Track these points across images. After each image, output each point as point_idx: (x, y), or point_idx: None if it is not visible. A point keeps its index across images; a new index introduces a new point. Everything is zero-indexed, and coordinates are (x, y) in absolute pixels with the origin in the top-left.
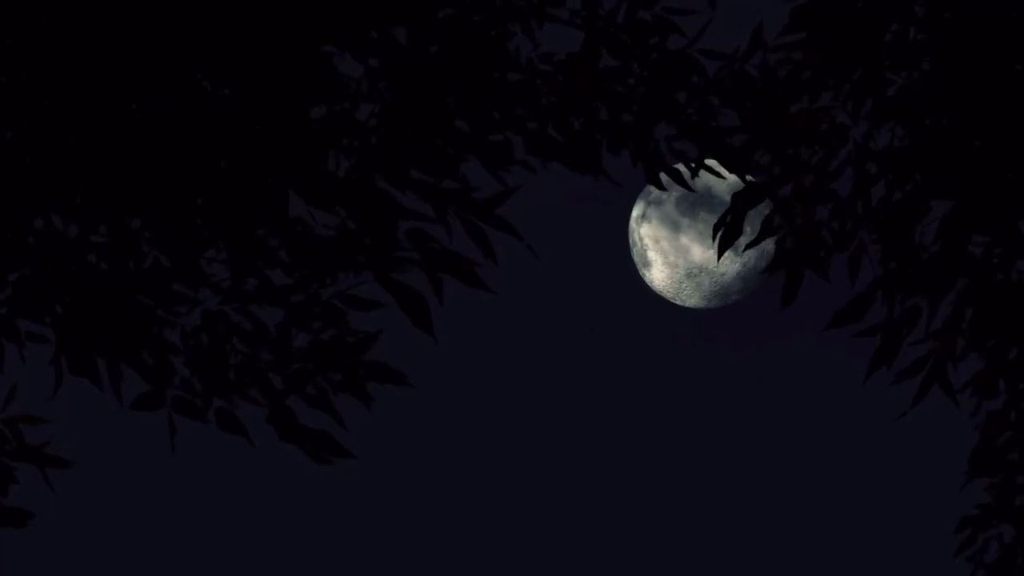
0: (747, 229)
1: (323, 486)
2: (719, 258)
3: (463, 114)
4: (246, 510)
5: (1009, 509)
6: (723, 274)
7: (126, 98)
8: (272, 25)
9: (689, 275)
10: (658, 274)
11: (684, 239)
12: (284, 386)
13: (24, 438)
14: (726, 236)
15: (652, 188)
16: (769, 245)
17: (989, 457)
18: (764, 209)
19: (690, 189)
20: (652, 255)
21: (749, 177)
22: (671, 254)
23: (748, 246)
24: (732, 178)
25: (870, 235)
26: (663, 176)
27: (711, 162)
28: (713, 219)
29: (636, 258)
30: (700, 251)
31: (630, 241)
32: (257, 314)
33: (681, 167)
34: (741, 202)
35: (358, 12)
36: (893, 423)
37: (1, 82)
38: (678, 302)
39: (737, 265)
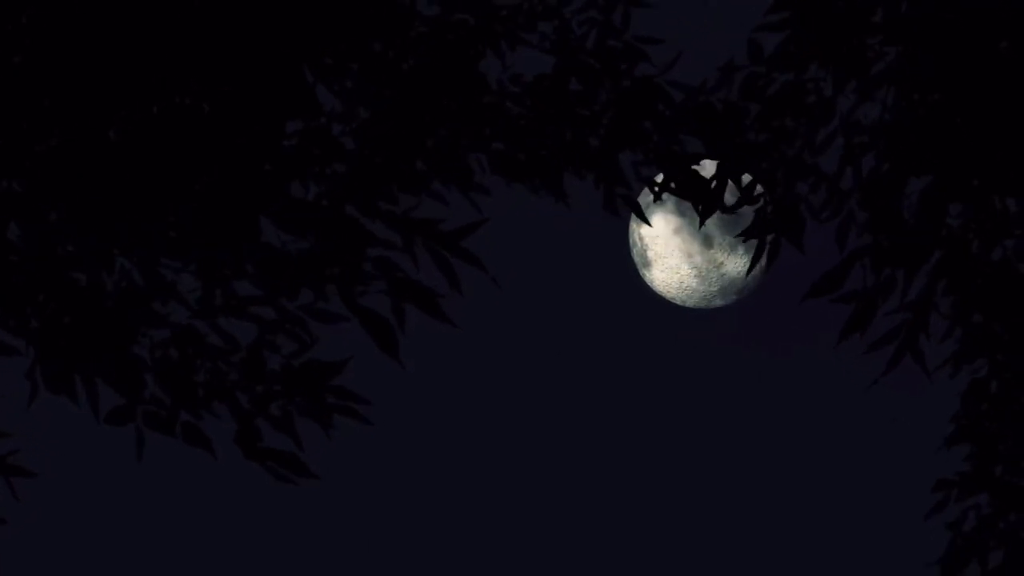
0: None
1: (302, 500)
2: (700, 226)
3: (434, 132)
4: (224, 517)
5: (988, 478)
6: (723, 274)
7: (103, 112)
8: (250, 40)
9: (689, 275)
10: (658, 274)
11: (685, 240)
12: (251, 406)
13: None
14: (707, 203)
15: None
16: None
17: (969, 425)
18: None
19: (646, 222)
20: (652, 255)
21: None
22: (671, 254)
23: (726, 211)
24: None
25: (859, 207)
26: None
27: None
28: (714, 219)
29: (636, 258)
30: (700, 251)
31: (630, 241)
32: (226, 328)
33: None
34: (724, 170)
35: (335, 26)
36: (863, 392)
37: None
38: (678, 302)
39: (739, 266)
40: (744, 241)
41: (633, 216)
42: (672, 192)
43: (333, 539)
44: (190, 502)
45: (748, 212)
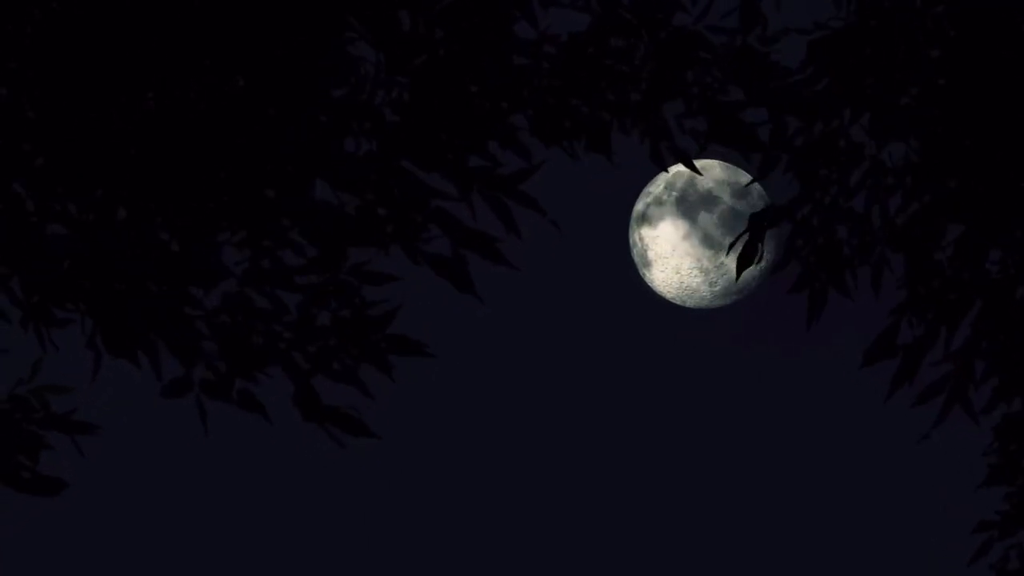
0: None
1: (315, 495)
2: (737, 278)
3: (472, 97)
4: (249, 504)
5: None
6: (724, 275)
7: (140, 87)
8: (284, 12)
9: (689, 275)
10: (658, 274)
11: (685, 240)
12: (309, 365)
13: (51, 407)
14: (744, 257)
15: (652, 189)
16: (766, 258)
17: (1006, 465)
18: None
19: (696, 171)
20: (652, 255)
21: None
22: (672, 255)
23: (775, 270)
24: (715, 176)
25: (889, 248)
26: (669, 160)
27: (704, 161)
28: (713, 219)
29: (636, 258)
30: (700, 252)
31: (630, 241)
32: (275, 293)
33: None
34: (759, 222)
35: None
36: (915, 443)
37: (12, 70)
38: (678, 302)
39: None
40: (792, 293)
41: (633, 216)
42: (719, 141)
43: (339, 535)
44: (207, 497)
45: (748, 212)
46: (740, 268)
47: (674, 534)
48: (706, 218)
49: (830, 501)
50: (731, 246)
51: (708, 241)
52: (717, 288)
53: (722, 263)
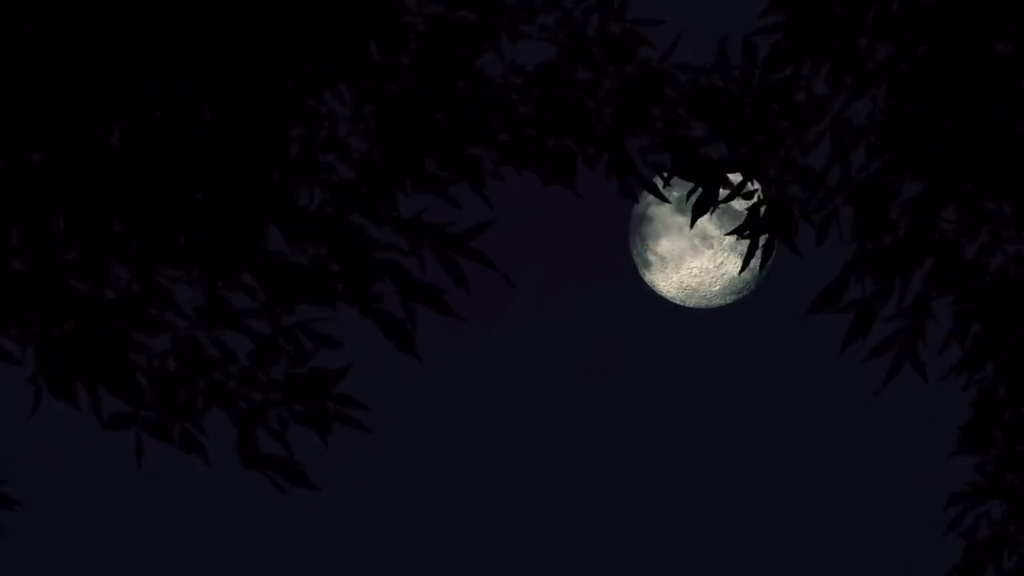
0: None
1: (300, 509)
2: (691, 226)
3: (439, 127)
4: (219, 526)
5: (1000, 485)
6: (724, 275)
7: (104, 118)
8: (250, 47)
9: (689, 275)
10: (658, 274)
11: (685, 240)
12: (252, 415)
13: None
14: (700, 205)
15: None
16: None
17: (980, 433)
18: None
19: (664, 200)
20: (652, 255)
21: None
22: (671, 255)
23: (721, 202)
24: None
25: (844, 203)
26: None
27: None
28: (713, 219)
29: (636, 258)
30: (701, 251)
31: (630, 241)
32: (223, 339)
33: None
34: (713, 168)
35: (331, 30)
36: (871, 401)
37: None
38: (678, 302)
39: (739, 266)
40: (737, 240)
41: (633, 217)
42: (681, 176)
43: (332, 547)
44: (185, 510)
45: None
46: (695, 216)
47: (674, 534)
48: (706, 218)
49: (830, 502)
50: (743, 267)
51: (708, 241)
52: (716, 288)
53: (722, 263)
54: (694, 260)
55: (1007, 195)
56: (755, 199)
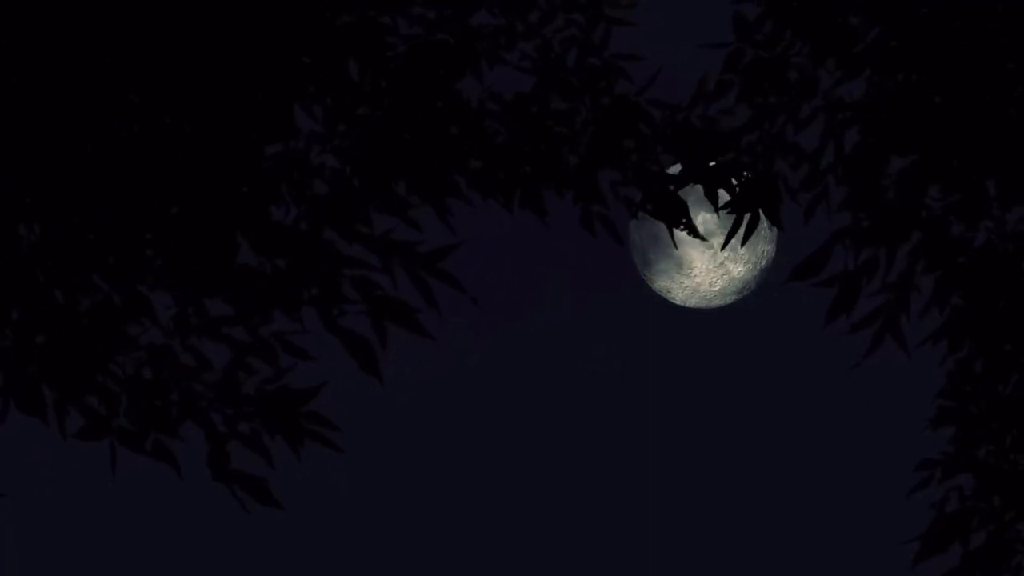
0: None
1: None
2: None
3: (413, 151)
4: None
5: (972, 460)
6: (724, 274)
7: (80, 130)
8: (229, 62)
9: (689, 275)
10: (658, 274)
11: (685, 239)
12: (225, 428)
13: None
14: (679, 223)
15: None
16: (766, 257)
17: (953, 407)
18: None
19: (620, 243)
20: (652, 255)
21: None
22: (671, 254)
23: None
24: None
25: (838, 183)
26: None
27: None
28: (713, 220)
29: (636, 258)
30: (700, 251)
31: (630, 241)
32: (199, 349)
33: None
34: (696, 146)
35: (311, 49)
36: (846, 372)
37: None
38: (678, 302)
39: (739, 266)
40: (721, 211)
41: (632, 217)
42: (647, 212)
43: (332, 547)
44: (185, 511)
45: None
46: (691, 233)
47: (674, 534)
48: (706, 217)
49: (830, 502)
50: (726, 243)
51: (708, 242)
52: (716, 288)
53: (722, 263)
54: (694, 260)
55: (993, 174)
56: (743, 176)
